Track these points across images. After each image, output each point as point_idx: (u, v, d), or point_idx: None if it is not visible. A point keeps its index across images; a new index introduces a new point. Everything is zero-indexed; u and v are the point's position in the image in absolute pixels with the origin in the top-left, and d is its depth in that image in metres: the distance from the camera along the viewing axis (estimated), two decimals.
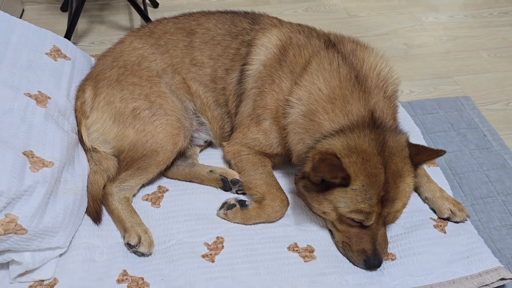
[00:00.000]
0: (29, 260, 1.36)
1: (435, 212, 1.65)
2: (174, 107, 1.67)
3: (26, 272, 1.38)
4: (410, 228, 1.58)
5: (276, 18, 1.81)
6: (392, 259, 1.49)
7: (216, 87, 1.74)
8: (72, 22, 2.37)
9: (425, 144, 1.90)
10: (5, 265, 1.39)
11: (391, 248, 1.52)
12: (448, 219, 1.61)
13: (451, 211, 1.61)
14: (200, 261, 1.45)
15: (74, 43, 2.46)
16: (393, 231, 1.58)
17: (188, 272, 1.41)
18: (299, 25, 1.80)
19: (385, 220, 1.44)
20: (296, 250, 1.50)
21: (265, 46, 1.68)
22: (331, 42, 1.66)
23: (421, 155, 1.45)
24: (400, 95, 2.21)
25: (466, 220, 1.61)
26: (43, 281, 1.39)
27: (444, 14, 2.95)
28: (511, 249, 1.57)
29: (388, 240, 1.53)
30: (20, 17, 2.79)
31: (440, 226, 1.59)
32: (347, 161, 1.38)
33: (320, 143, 1.44)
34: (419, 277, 1.44)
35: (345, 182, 1.38)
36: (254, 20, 1.78)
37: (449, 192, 1.71)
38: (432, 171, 1.79)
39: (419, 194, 1.70)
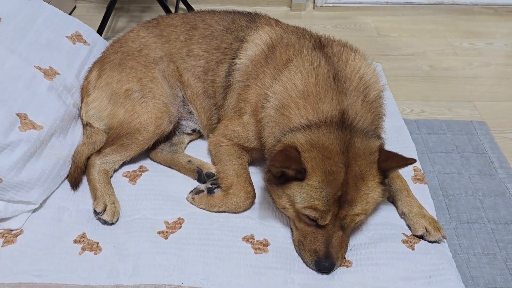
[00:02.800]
0: (2, 209, 1.48)
1: (410, 228, 1.55)
2: (163, 92, 1.76)
3: None
4: (376, 240, 1.50)
5: (274, 19, 1.85)
6: (348, 266, 1.42)
7: (206, 79, 1.81)
8: (105, 17, 2.59)
9: (418, 163, 1.80)
10: None
11: (349, 256, 1.45)
12: (422, 237, 1.51)
13: (426, 228, 1.51)
14: (154, 236, 1.49)
15: (108, 38, 2.68)
16: (357, 240, 1.50)
17: (139, 244, 1.46)
18: (296, 27, 1.83)
19: (342, 223, 1.38)
20: (250, 242, 1.49)
21: (255, 43, 1.72)
22: (320, 44, 1.67)
23: (389, 161, 1.39)
24: (409, 113, 2.15)
25: (441, 240, 1.50)
26: (11, 230, 1.50)
27: (483, 41, 2.81)
28: (487, 278, 1.42)
29: (349, 248, 1.47)
30: (70, 13, 3.11)
31: (410, 242, 1.49)
32: (307, 156, 1.36)
33: (285, 137, 1.44)
34: None
35: (301, 176, 1.36)
36: (252, 19, 1.84)
37: (432, 212, 1.60)
38: (419, 187, 1.69)
39: (396, 208, 1.61)
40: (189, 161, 1.76)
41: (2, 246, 1.45)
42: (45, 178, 1.57)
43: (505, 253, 1.50)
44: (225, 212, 1.59)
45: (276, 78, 1.57)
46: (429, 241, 1.50)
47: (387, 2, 3.21)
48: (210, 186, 1.64)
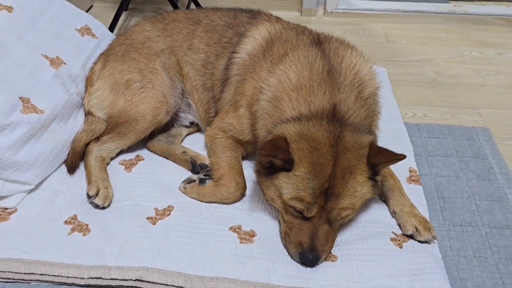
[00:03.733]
0: None
1: (401, 228, 1.52)
2: (163, 84, 1.79)
3: None
4: (364, 237, 1.48)
5: (276, 17, 1.88)
6: (332, 261, 1.41)
7: (206, 72, 1.84)
8: (117, 14, 2.67)
9: (414, 164, 1.79)
10: None
11: (335, 251, 1.44)
12: (411, 236, 1.48)
13: (416, 228, 1.48)
14: (143, 221, 1.51)
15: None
16: (344, 236, 1.49)
17: (127, 228, 1.47)
18: (296, 25, 1.84)
19: (329, 216, 1.37)
20: (237, 232, 1.49)
21: (254, 37, 1.74)
22: (318, 40, 1.68)
23: (379, 156, 1.38)
24: (411, 117, 2.13)
25: (431, 241, 1.47)
26: (6, 208, 1.54)
27: (494, 51, 2.77)
28: (476, 281, 1.38)
29: (336, 243, 1.46)
30: (86, 12, 3.20)
31: (398, 240, 1.47)
32: (295, 146, 1.36)
33: (276, 128, 1.45)
34: (353, 282, 1.34)
35: (289, 166, 1.36)
36: (253, 15, 1.87)
37: (425, 213, 1.58)
38: (413, 188, 1.67)
39: (388, 207, 1.59)
40: (184, 152, 1.78)
41: None
42: (42, 160, 1.62)
43: (497, 257, 1.46)
44: (215, 202, 1.60)
45: (271, 71, 1.59)
46: (419, 241, 1.47)
47: (397, 9, 3.20)
48: (202, 176, 1.66)
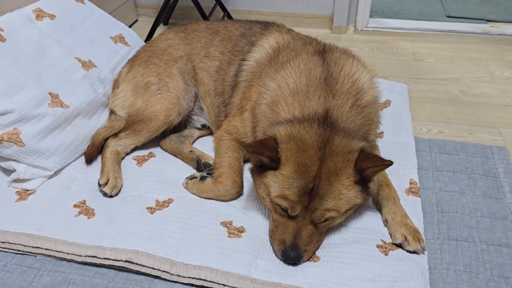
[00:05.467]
0: (22, 171, 1.71)
1: (391, 236, 1.51)
2: (177, 87, 1.93)
3: (18, 180, 1.73)
4: (352, 241, 1.49)
5: (287, 28, 1.96)
6: (315, 261, 1.43)
7: (218, 78, 1.95)
8: (153, 27, 2.88)
9: (416, 177, 1.76)
10: (8, 173, 1.77)
11: (320, 252, 1.46)
12: (400, 245, 1.47)
13: (405, 237, 1.47)
14: (142, 210, 1.62)
15: None
16: (332, 239, 1.51)
17: (127, 215, 1.59)
18: (306, 36, 1.92)
19: (313, 216, 1.40)
20: (227, 226, 1.56)
21: (263, 46, 1.84)
22: (323, 50, 1.74)
23: (366, 161, 1.40)
24: (425, 132, 2.11)
25: (420, 251, 1.45)
26: (27, 190, 1.72)
27: None
28: None
29: (322, 246, 1.48)
30: (131, 26, 3.48)
31: (385, 248, 1.46)
32: (284, 147, 1.42)
33: (270, 129, 1.51)
34: (330, 283, 1.35)
35: (276, 165, 1.42)
36: (266, 26, 1.97)
37: (419, 225, 1.55)
38: (411, 200, 1.65)
39: (381, 216, 1.59)
40: (191, 151, 1.89)
41: (16, 201, 1.67)
42: (63, 149, 1.79)
43: (489, 274, 1.40)
44: (212, 199, 1.68)
45: (272, 77, 1.67)
46: (408, 251, 1.46)
47: (429, 29, 3.17)
48: (204, 174, 1.75)
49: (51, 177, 1.78)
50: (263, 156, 1.40)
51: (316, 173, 1.38)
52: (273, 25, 1.98)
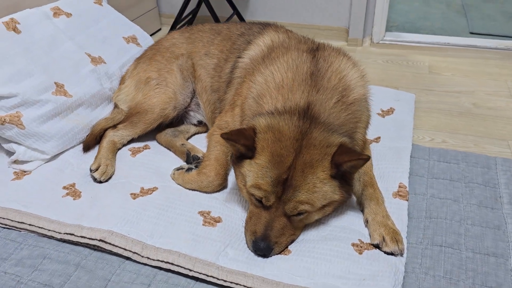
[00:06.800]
0: (21, 152, 1.80)
1: (370, 237, 1.46)
2: (175, 83, 1.98)
3: (18, 162, 1.82)
4: (327, 238, 1.44)
5: (285, 29, 1.98)
6: (286, 254, 1.40)
7: (215, 75, 1.99)
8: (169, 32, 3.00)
9: (406, 181, 1.70)
10: (10, 155, 1.86)
11: (292, 247, 1.42)
12: (378, 246, 1.41)
13: (383, 238, 1.41)
14: (125, 196, 1.65)
15: None
16: (308, 236, 1.47)
17: (110, 199, 1.63)
18: (303, 36, 1.93)
19: (285, 208, 1.38)
20: (204, 216, 1.56)
21: (258, 44, 1.86)
22: (317, 49, 1.74)
23: (343, 155, 1.37)
24: (428, 141, 2.04)
25: (397, 253, 1.38)
26: (24, 171, 1.80)
27: None
28: None
29: (297, 241, 1.45)
30: (153, 34, 3.62)
31: (361, 247, 1.41)
32: (261, 136, 1.42)
33: (252, 120, 1.52)
34: (296, 276, 1.31)
35: (252, 154, 1.42)
36: (264, 26, 2.00)
37: (402, 228, 1.49)
38: (397, 203, 1.59)
39: (363, 216, 1.53)
40: (182, 144, 1.92)
41: (11, 180, 1.75)
42: (61, 135, 1.87)
43: (471, 282, 1.31)
44: (196, 190, 1.69)
45: (261, 72, 1.68)
46: (385, 252, 1.39)
47: (448, 43, 3.09)
48: (192, 166, 1.77)
49: (48, 161, 1.86)
50: (238, 144, 1.41)
51: (291, 164, 1.36)
52: (271, 26, 2.01)
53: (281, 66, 1.63)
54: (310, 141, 1.39)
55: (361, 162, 1.37)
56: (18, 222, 1.55)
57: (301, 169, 1.36)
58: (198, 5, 3.39)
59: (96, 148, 1.95)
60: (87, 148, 1.94)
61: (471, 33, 3.39)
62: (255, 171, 1.40)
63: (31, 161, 1.83)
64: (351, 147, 1.43)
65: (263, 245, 1.38)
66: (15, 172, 1.80)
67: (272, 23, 2.07)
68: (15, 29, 1.96)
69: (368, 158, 1.35)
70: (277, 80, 1.59)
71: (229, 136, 1.40)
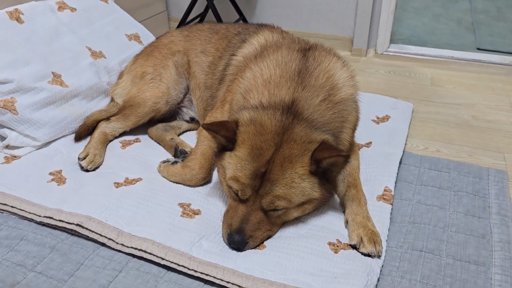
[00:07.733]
0: (13, 137, 1.83)
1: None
2: (169, 78, 2.00)
3: (9, 147, 1.85)
4: (304, 236, 1.42)
5: (281, 29, 1.99)
6: (260, 249, 1.38)
7: (209, 72, 2.00)
8: None
9: (392, 185, 1.67)
10: (2, 139, 1.89)
11: (268, 242, 1.40)
12: (355, 247, 1.38)
13: (361, 239, 1.38)
14: (109, 185, 1.66)
15: None
16: (285, 233, 1.45)
17: (93, 187, 1.64)
18: (298, 38, 1.93)
19: (262, 202, 1.37)
20: (184, 207, 1.55)
21: (252, 43, 1.87)
22: (308, 48, 1.74)
23: (323, 152, 1.36)
24: (421, 150, 2.01)
25: (374, 254, 1.35)
26: (15, 156, 1.83)
27: None
28: None
29: (274, 237, 1.43)
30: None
31: (337, 246, 1.38)
32: (243, 129, 1.41)
33: (236, 114, 1.52)
34: (268, 271, 1.29)
35: (232, 146, 1.41)
36: (260, 26, 2.01)
37: (384, 232, 1.46)
38: (380, 206, 1.56)
39: (344, 217, 1.51)
40: (171, 139, 1.93)
41: (0, 164, 1.77)
42: (53, 123, 1.90)
43: None
44: (180, 183, 1.69)
45: (251, 68, 1.68)
46: (362, 253, 1.36)
47: (452, 57, 3.06)
48: (178, 160, 1.77)
49: (39, 148, 1.89)
50: (219, 134, 1.41)
51: (270, 158, 1.36)
52: (267, 26, 2.02)
53: (270, 63, 1.63)
54: (291, 136, 1.38)
55: (341, 159, 1.35)
56: (1, 203, 1.57)
57: (280, 163, 1.35)
58: (206, 9, 3.44)
59: (88, 139, 1.97)
60: (78, 138, 1.96)
61: (478, 48, 3.36)
62: (234, 163, 1.39)
63: (22, 147, 1.85)
64: (333, 145, 1.42)
65: (238, 238, 1.36)
66: (5, 156, 1.83)
67: (270, 23, 2.08)
68: (18, 19, 2.01)
69: (348, 155, 1.34)
70: (265, 76, 1.59)
71: (209, 127, 1.40)
